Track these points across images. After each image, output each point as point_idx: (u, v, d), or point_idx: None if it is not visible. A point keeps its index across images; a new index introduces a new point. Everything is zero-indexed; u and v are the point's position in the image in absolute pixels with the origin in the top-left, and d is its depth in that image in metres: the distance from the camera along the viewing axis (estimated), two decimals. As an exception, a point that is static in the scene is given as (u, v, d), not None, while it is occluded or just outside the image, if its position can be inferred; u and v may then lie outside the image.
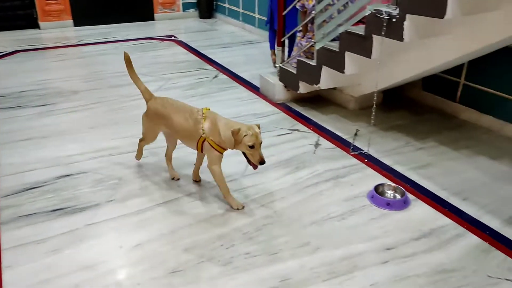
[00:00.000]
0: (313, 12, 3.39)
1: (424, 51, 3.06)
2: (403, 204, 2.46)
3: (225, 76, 4.63)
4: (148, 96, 2.59)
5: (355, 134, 3.30)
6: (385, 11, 2.69)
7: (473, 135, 3.30)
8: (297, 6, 3.66)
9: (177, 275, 1.94)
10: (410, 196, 2.54)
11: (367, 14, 2.86)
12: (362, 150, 3.05)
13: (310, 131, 3.37)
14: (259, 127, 2.26)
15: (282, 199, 2.51)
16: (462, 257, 2.07)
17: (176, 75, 4.66)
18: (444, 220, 2.34)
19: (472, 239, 2.19)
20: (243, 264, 2.01)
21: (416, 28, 2.64)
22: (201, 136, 2.33)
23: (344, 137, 3.28)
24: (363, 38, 2.95)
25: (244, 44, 5.97)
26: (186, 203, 2.45)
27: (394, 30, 2.69)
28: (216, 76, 4.62)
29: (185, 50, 5.65)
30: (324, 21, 3.35)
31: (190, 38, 6.30)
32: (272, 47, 4.91)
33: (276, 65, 3.94)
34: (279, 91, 3.92)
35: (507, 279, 1.94)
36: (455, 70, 3.57)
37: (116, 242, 2.16)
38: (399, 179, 2.72)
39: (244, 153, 2.27)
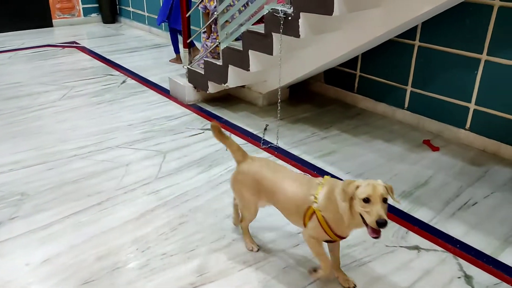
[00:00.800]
0: (215, 13, 3.46)
1: (320, 46, 3.28)
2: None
3: (133, 81, 4.54)
4: (241, 156, 1.99)
5: (265, 129, 3.44)
6: (281, 10, 2.84)
7: (370, 122, 3.60)
8: (199, 8, 3.71)
9: (90, 285, 1.89)
10: (317, 182, 2.71)
11: (265, 13, 2.99)
12: (272, 144, 3.19)
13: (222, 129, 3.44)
14: (389, 188, 1.66)
15: (197, 197, 2.54)
16: (363, 232, 2.26)
17: (81, 82, 4.47)
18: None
19: (372, 215, 2.41)
20: (160, 265, 2.01)
21: (310, 25, 2.83)
22: (310, 205, 1.73)
23: (255, 132, 3.39)
24: (263, 36, 3.08)
25: (152, 48, 5.88)
26: (97, 212, 2.39)
27: (290, 27, 2.85)
28: (124, 82, 4.51)
29: (89, 57, 5.43)
30: (226, 21, 3.44)
31: (94, 44, 6.06)
32: (177, 51, 4.93)
33: (184, 66, 3.95)
34: (189, 93, 3.94)
35: (401, 246, 2.16)
36: (352, 63, 3.86)
37: (22, 260, 2.04)
38: (307, 167, 2.89)
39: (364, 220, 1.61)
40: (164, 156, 3.00)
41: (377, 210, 1.55)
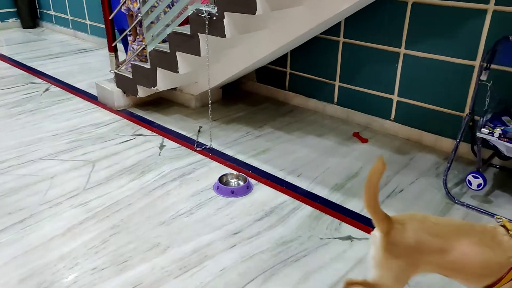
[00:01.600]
0: (139, 14, 3.36)
1: (248, 45, 3.29)
2: (246, 189, 2.62)
3: (58, 89, 4.29)
4: (387, 224, 1.43)
5: (198, 131, 3.39)
6: (205, 10, 2.81)
7: (303, 118, 3.67)
8: (123, 10, 3.59)
9: (12, 310, 1.76)
10: (252, 181, 2.71)
11: (190, 13, 2.95)
12: (206, 145, 3.15)
13: (154, 134, 3.35)
14: None
15: (129, 206, 2.45)
16: (298, 227, 2.30)
17: (-1, 92, 4.17)
18: (283, 197, 2.56)
19: (306, 210, 2.45)
20: (89, 281, 1.91)
21: (235, 25, 2.82)
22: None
23: (188, 135, 3.34)
24: (190, 37, 3.03)
25: (77, 53, 5.61)
26: (19, 230, 2.22)
27: (216, 27, 2.83)
28: (47, 89, 4.26)
29: (7, 65, 5.07)
30: (152, 22, 3.34)
31: (12, 50, 5.67)
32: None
33: (111, 71, 3.80)
34: (118, 98, 3.80)
35: (334, 238, 2.22)
36: (282, 61, 3.92)
37: None
38: (242, 167, 2.89)
39: None
40: (93, 165, 2.87)
41: None
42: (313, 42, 3.55)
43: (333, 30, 3.42)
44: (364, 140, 3.25)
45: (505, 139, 2.28)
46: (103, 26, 3.77)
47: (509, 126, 2.39)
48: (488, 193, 2.60)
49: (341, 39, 3.45)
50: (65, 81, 4.50)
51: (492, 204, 2.50)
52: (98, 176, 2.74)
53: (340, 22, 3.38)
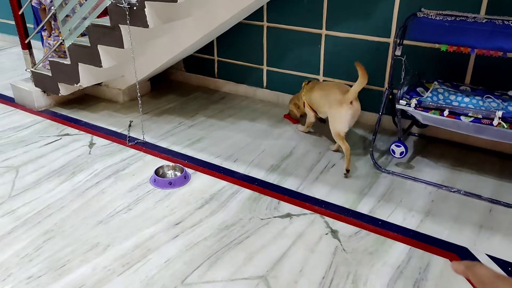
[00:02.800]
0: (52, 7, 3.17)
1: (173, 35, 3.25)
2: (184, 179, 2.61)
3: (-33, 93, 3.96)
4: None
5: (129, 126, 3.30)
6: (124, 0, 2.72)
7: (234, 104, 3.71)
8: (33, 4, 3.36)
9: None
10: (189, 170, 2.71)
11: (108, 4, 2.84)
12: (138, 139, 3.08)
13: (82, 132, 3.21)
14: None
15: (61, 209, 2.35)
16: (239, 211, 2.34)
17: None
18: (221, 184, 2.59)
19: (245, 193, 2.50)
20: (26, 290, 1.82)
21: (157, 14, 2.77)
22: None
23: (119, 131, 3.24)
24: (111, 29, 2.92)
25: (-14, 53, 5.18)
26: None
27: (138, 18, 2.75)
28: (-45, 94, 3.91)
29: None
30: (67, 15, 3.17)
31: None
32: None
33: (27, 70, 3.57)
34: (38, 98, 3.57)
35: (274, 217, 2.29)
36: (209, 49, 3.90)
37: None
38: (177, 157, 2.87)
39: None
40: (17, 171, 2.70)
41: None
42: (238, 28, 3.58)
43: (257, 15, 3.46)
44: (295, 121, 3.35)
45: (421, 108, 2.47)
46: (13, 22, 3.51)
47: (423, 96, 2.59)
48: (410, 159, 2.81)
49: (265, 23, 3.50)
50: (-25, 84, 4.15)
51: (414, 169, 2.71)
52: (23, 181, 2.59)
53: (262, 7, 3.43)
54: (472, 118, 2.32)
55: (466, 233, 2.15)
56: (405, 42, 2.62)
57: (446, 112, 2.38)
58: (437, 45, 2.70)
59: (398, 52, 2.58)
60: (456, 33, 2.34)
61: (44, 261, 1.98)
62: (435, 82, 2.68)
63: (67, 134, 3.17)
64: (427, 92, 2.63)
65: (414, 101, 2.48)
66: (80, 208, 2.36)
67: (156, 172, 2.64)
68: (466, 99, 2.49)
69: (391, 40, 3.00)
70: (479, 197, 2.40)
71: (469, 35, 2.30)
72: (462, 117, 2.34)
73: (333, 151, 2.91)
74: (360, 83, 2.57)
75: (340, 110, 2.67)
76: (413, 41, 2.85)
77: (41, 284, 1.85)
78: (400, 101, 2.52)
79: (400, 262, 1.97)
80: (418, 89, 2.66)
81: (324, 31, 3.26)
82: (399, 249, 2.04)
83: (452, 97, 2.55)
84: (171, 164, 2.73)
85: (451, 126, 2.45)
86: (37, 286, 1.84)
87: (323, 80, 3.41)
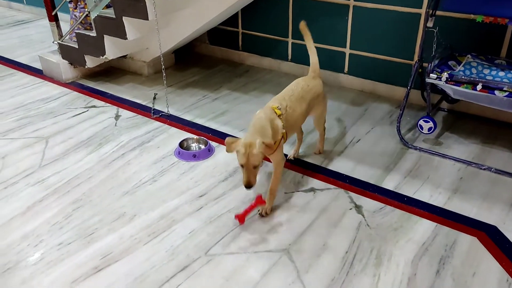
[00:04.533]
0: (78, -21, 3.16)
1: (198, 6, 3.20)
2: (208, 152, 2.62)
3: (-3, 65, 4.04)
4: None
5: (154, 98, 3.32)
6: (149, -29, 2.69)
7: (259, 77, 3.67)
8: (59, -25, 3.36)
9: (-21, 293, 1.72)
10: (213, 143, 2.71)
11: (133, -25, 2.81)
12: (163, 112, 3.10)
13: (108, 104, 3.25)
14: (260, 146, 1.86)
15: (89, 179, 2.40)
16: (263, 184, 2.34)
17: None
18: (245, 157, 2.59)
19: (269, 166, 2.47)
20: (57, 256, 1.88)
21: (182, -15, 2.73)
22: None
23: (144, 103, 3.26)
24: (135, 0, 2.90)
25: (15, 25, 5.25)
26: (-25, 214, 2.14)
27: (162, -12, 2.72)
28: (-14, 66, 4.00)
29: None
30: (93, -13, 3.17)
31: None
32: None
33: (54, 42, 3.60)
34: (65, 70, 3.62)
35: (298, 191, 2.28)
36: (233, 21, 3.85)
37: None
38: (201, 130, 2.87)
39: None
40: (47, 141, 2.76)
41: (246, 176, 1.91)
42: (263, 0, 3.50)
43: (282, -15, 3.38)
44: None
45: (452, 83, 2.38)
46: (40, -6, 3.53)
47: (455, 70, 2.49)
48: (438, 135, 2.74)
49: (291, -6, 3.42)
50: (5, 56, 4.23)
51: (442, 145, 2.64)
52: (53, 152, 2.65)
53: (288, -23, 3.34)
54: (507, 93, 2.22)
55: (495, 211, 2.09)
56: (438, 13, 2.51)
57: (479, 86, 2.28)
58: (472, 16, 2.58)
59: (430, 24, 2.47)
60: (494, 3, 2.22)
61: (73, 229, 2.04)
62: (468, 56, 2.58)
63: (94, 106, 3.22)
64: (459, 65, 2.53)
65: (445, 75, 2.39)
66: (107, 178, 2.41)
67: (181, 144, 2.66)
68: (501, 73, 2.38)
69: (422, 11, 2.88)
70: (510, 175, 2.33)
71: (507, 5, 2.17)
72: (496, 92, 2.25)
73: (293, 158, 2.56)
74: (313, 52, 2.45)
75: (325, 95, 2.46)
76: (447, 12, 2.72)
77: (71, 251, 1.91)
78: (431, 74, 2.43)
79: (425, 239, 1.94)
80: (449, 63, 2.56)
81: (352, 2, 3.15)
82: (424, 226, 2.01)
83: (486, 71, 2.45)
84: (195, 137, 2.74)
85: (484, 101, 2.36)
86: (67, 253, 1.91)
87: (350, 54, 3.32)
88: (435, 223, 2.03)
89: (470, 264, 1.80)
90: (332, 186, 2.31)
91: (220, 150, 2.66)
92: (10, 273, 1.80)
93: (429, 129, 2.59)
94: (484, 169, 2.39)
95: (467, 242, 1.91)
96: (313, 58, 2.43)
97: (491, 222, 2.02)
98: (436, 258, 1.83)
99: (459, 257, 1.83)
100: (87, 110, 3.16)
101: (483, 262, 1.80)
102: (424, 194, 2.22)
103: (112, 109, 3.17)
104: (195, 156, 2.57)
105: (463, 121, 2.89)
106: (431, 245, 1.90)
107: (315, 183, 2.34)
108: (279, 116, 2.07)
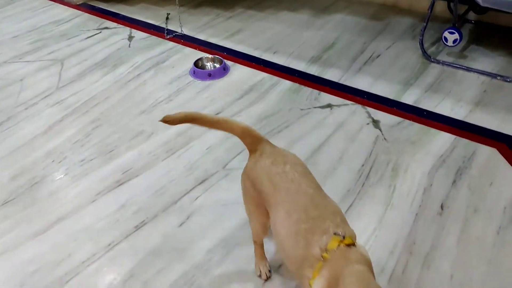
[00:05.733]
0: None
1: None
2: (223, 71, 2.58)
3: (7, -12, 3.94)
4: (250, 142, 1.29)
5: (167, 18, 3.22)
6: None
7: (274, -6, 3.50)
8: None
9: (10, 205, 1.81)
10: (228, 62, 2.66)
11: None
12: (176, 32, 3.02)
13: (121, 25, 3.18)
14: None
15: (106, 99, 2.42)
16: (279, 101, 2.32)
17: None
18: (261, 75, 2.54)
19: (285, 84, 2.45)
20: (80, 171, 1.95)
21: None
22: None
23: (157, 24, 3.18)
24: None
25: None
26: (-1, 134, 2.21)
27: None
28: (-5, -10, 3.91)
29: None
30: None
31: None
32: None
33: (61, -39, 3.46)
34: (75, -9, 3.52)
35: (314, 107, 2.26)
36: None
37: None
38: (216, 50, 2.81)
39: None
40: (62, 63, 2.76)
41: None
42: None
43: None
44: None
45: (481, -11, 2.22)
46: None
47: (486, -25, 2.30)
48: (463, 48, 2.61)
49: None
50: (13, -21, 4.12)
51: (467, 58, 2.52)
52: (69, 73, 2.65)
53: None
54: (540, -2, 2.06)
55: (518, 123, 2.04)
56: None
57: (510, -8, 2.12)
58: None
59: None
60: None
61: (94, 146, 2.09)
62: (502, -42, 2.37)
63: (106, 28, 3.15)
64: (490, -30, 2.33)
65: (474, -20, 2.22)
66: (124, 98, 2.41)
67: (195, 64, 2.61)
68: (536, -23, 2.20)
69: None
70: (537, 87, 2.24)
71: None
72: (529, -3, 2.09)
73: None
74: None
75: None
76: None
77: (93, 166, 1.98)
78: (459, -19, 2.26)
79: (443, 151, 1.92)
80: (480, -33, 2.37)
81: None
82: (443, 139, 1.99)
83: (520, -25, 2.25)
84: (210, 56, 2.69)
85: (515, 9, 2.21)
86: (90, 168, 1.97)
87: None
88: (454, 136, 1.99)
89: (488, 174, 1.79)
90: (349, 102, 2.27)
91: (235, 69, 2.61)
92: (38, 187, 1.89)
93: (454, 41, 2.47)
94: (510, 81, 2.29)
95: (486, 153, 1.89)
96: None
97: (513, 134, 1.98)
98: (453, 170, 1.82)
99: (477, 168, 1.82)
100: (100, 32, 3.10)
101: (501, 172, 1.79)
102: (445, 108, 2.17)
103: (125, 30, 3.11)
104: (210, 75, 2.54)
105: (490, 33, 2.74)
106: (449, 157, 1.89)
107: (332, 99, 2.31)
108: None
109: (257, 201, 1.23)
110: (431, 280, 1.41)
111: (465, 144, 1.94)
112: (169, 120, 1.33)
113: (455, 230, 1.57)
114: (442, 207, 1.66)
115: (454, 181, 1.76)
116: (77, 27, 3.18)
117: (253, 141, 1.29)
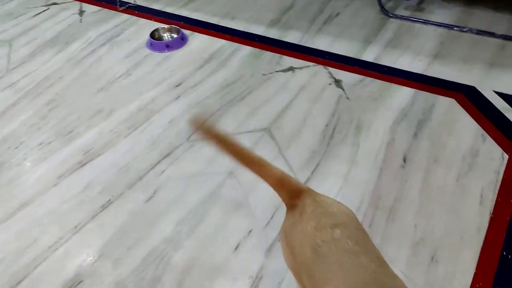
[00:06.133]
0: None
1: None
2: (181, 41, 2.50)
3: None
4: (287, 195, 1.00)
5: (118, -11, 3.08)
6: None
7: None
8: None
9: (-33, 196, 1.74)
10: (186, 32, 2.58)
11: None
12: (130, 3, 2.90)
13: (70, 0, 3.02)
14: None
15: (60, 79, 2.31)
16: (240, 68, 2.28)
17: None
18: (220, 43, 2.48)
19: (246, 50, 2.40)
20: (39, 155, 1.88)
21: None
22: None
23: (108, -5, 3.04)
24: None
25: None
26: (-51, 124, 2.09)
27: None
28: None
29: None
30: None
31: None
32: None
33: None
34: (17, -34, 3.30)
35: (276, 71, 2.23)
36: None
37: None
38: (172, 19, 2.71)
39: None
40: (10, 44, 2.61)
41: None
42: None
43: None
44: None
45: None
46: None
47: None
48: (420, 1, 2.61)
49: None
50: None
51: (424, 11, 2.53)
52: (19, 54, 2.52)
53: None
54: None
55: (475, 72, 2.07)
56: None
57: None
58: None
59: None
60: None
61: (51, 128, 2.02)
62: None
63: (54, 3, 2.99)
64: None
65: None
66: (79, 77, 2.32)
67: (152, 35, 2.52)
68: None
69: None
70: (492, 34, 2.27)
71: None
72: None
73: None
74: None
75: None
76: None
77: (52, 149, 1.91)
78: None
79: (404, 105, 1.94)
80: None
81: None
82: (404, 93, 2.01)
83: None
84: (166, 26, 2.60)
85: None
86: (49, 151, 1.90)
87: None
88: (415, 89, 2.02)
89: (447, 124, 1.83)
90: (311, 63, 2.26)
91: (193, 38, 2.54)
92: (-5, 175, 1.82)
93: (411, -6, 2.46)
94: (466, 31, 2.32)
95: (445, 104, 1.92)
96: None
97: (470, 83, 2.01)
98: (414, 122, 1.85)
99: (437, 119, 1.86)
100: (48, 8, 2.94)
101: (459, 121, 1.83)
102: (404, 63, 2.18)
103: (74, 5, 2.95)
104: (168, 46, 2.46)
105: (447, -15, 2.74)
106: (409, 110, 1.91)
107: (293, 62, 2.28)
108: None
109: (298, 271, 0.93)
110: (396, 232, 1.46)
111: (424, 97, 1.97)
112: (201, 127, 1.06)
113: (417, 181, 1.61)
114: (404, 160, 1.69)
115: (415, 134, 1.79)
116: (23, 5, 3.00)
117: (290, 194, 0.98)
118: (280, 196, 1.01)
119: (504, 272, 1.32)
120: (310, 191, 0.98)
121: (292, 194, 0.98)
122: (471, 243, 1.41)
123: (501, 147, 1.70)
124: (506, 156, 1.66)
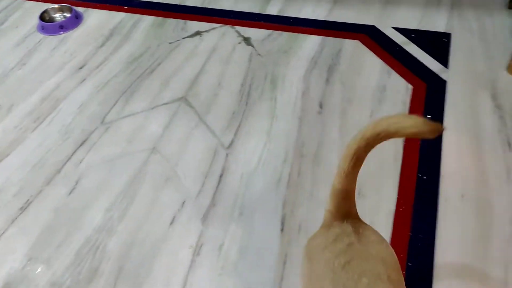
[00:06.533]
0: None
1: None
2: (76, 20, 2.32)
3: None
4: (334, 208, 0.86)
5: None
6: None
7: None
8: None
9: None
10: (79, 9, 2.40)
11: None
12: (9, -15, 2.61)
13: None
14: None
15: None
16: (145, 40, 2.18)
17: None
18: (119, 16, 2.34)
19: (148, 20, 2.29)
20: None
21: None
22: None
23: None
24: None
25: None
26: None
27: None
28: None
29: None
30: None
31: None
32: None
33: None
34: None
35: (183, 38, 2.16)
36: None
37: None
38: (62, -3, 2.50)
39: None
40: None
41: None
42: None
43: None
44: None
45: None
46: None
47: None
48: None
49: None
50: None
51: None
52: None
53: None
54: None
55: (373, 11, 2.16)
56: None
57: None
58: None
59: None
60: None
61: None
62: None
63: None
64: None
65: None
66: (-34, 75, 2.09)
67: (42, 18, 2.31)
68: None
69: None
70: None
71: None
72: None
73: None
74: None
75: None
76: None
77: (-50, 159, 1.72)
78: None
79: (313, 53, 1.98)
80: None
81: None
82: (312, 42, 2.04)
83: None
84: (56, 6, 2.39)
85: None
86: None
87: None
88: (321, 36, 2.06)
89: (355, 65, 1.90)
90: (217, 25, 2.21)
91: (89, 15, 2.37)
92: None
93: None
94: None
95: (351, 46, 1.99)
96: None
97: (370, 23, 2.10)
98: (325, 68, 1.90)
99: (345, 62, 1.92)
100: None
101: (366, 61, 1.91)
102: (307, 11, 2.21)
103: None
104: (63, 27, 2.28)
105: None
106: (319, 58, 1.96)
107: (199, 25, 2.22)
108: None
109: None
110: (324, 174, 1.52)
111: (331, 43, 2.02)
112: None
113: (335, 123, 1.67)
114: (320, 105, 1.75)
115: (327, 79, 1.85)
116: None
117: (343, 211, 0.86)
118: (333, 202, 0.86)
119: (422, 192, 1.44)
120: (358, 217, 0.87)
121: (342, 209, 0.85)
122: (390, 172, 1.50)
123: (405, 79, 1.81)
124: (410, 87, 1.78)
